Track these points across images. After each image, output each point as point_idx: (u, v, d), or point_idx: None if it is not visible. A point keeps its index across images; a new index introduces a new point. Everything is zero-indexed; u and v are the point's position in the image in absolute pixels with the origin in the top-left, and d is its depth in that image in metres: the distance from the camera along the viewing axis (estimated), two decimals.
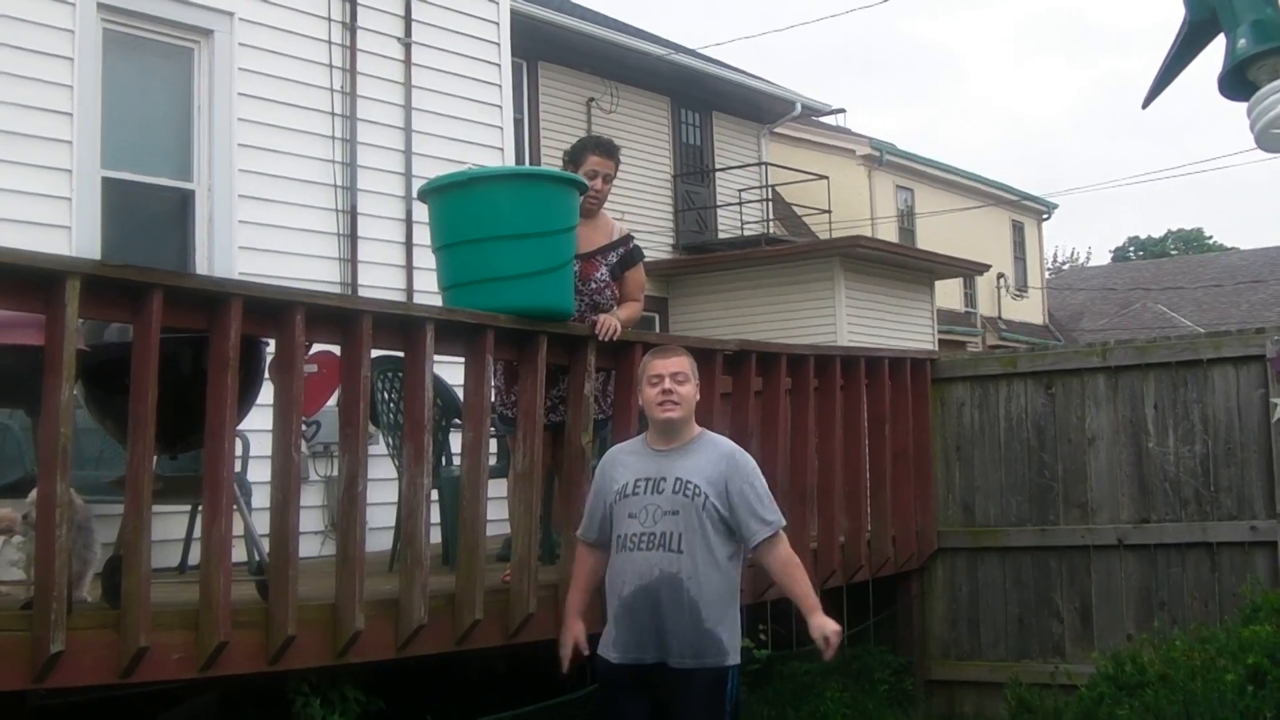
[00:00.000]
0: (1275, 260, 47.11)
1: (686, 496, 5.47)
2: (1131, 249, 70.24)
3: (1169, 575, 9.28)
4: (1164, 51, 4.64)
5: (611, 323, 6.69)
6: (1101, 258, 68.32)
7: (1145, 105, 4.73)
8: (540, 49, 20.04)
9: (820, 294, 20.92)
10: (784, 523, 5.68)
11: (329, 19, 10.40)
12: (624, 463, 5.70)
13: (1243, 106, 4.23)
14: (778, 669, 9.07)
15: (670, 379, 5.57)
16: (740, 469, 5.58)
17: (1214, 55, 4.43)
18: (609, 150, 7.19)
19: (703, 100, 24.21)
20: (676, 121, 23.73)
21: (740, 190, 25.05)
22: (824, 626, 5.52)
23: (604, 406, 6.99)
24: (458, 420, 7.00)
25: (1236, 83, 4.22)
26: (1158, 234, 71.64)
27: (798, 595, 5.61)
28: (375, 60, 10.68)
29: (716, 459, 5.57)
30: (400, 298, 10.19)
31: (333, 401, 7.29)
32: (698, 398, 5.73)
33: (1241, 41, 4.13)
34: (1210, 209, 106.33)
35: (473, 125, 11.32)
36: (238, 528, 5.32)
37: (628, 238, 7.28)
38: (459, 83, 11.29)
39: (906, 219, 32.22)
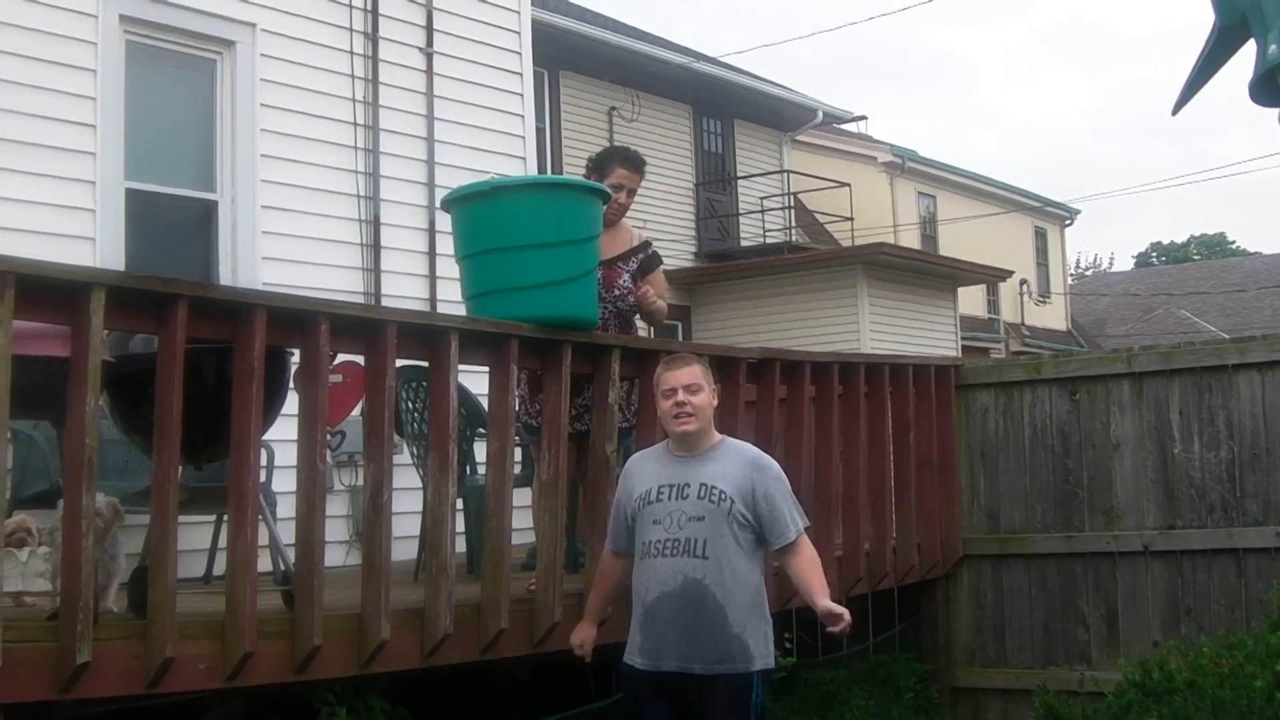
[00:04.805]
0: None
1: (712, 502, 5.45)
2: (1154, 254, 70.06)
3: (1195, 582, 9.23)
4: (1185, 57, 4.63)
5: (654, 297, 6.80)
6: (1124, 263, 68.21)
7: (1175, 111, 4.71)
8: (562, 58, 20.07)
9: (843, 301, 20.91)
10: (808, 524, 5.67)
11: (351, 29, 10.41)
12: (646, 469, 5.69)
13: (1273, 112, 4.21)
14: (802, 677, 9.04)
15: (683, 391, 5.55)
16: (765, 473, 5.56)
17: (1242, 60, 4.41)
18: (636, 164, 7.18)
19: (724, 108, 24.22)
20: (698, 130, 23.74)
21: (762, 198, 25.04)
22: (832, 607, 5.38)
23: (628, 415, 6.97)
24: (482, 429, 7.00)
25: (1267, 89, 4.20)
26: (1180, 239, 71.54)
27: (811, 585, 5.50)
28: (397, 70, 10.70)
29: (742, 465, 5.55)
30: (424, 307, 10.19)
31: (357, 411, 7.32)
32: (715, 403, 5.71)
33: (1273, 47, 4.10)
34: (1233, 214, 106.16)
35: (495, 134, 11.32)
36: (263, 538, 5.32)
37: (646, 243, 7.28)
38: (481, 92, 11.30)
39: (929, 226, 32.17)
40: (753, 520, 5.46)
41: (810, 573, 5.52)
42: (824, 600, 5.42)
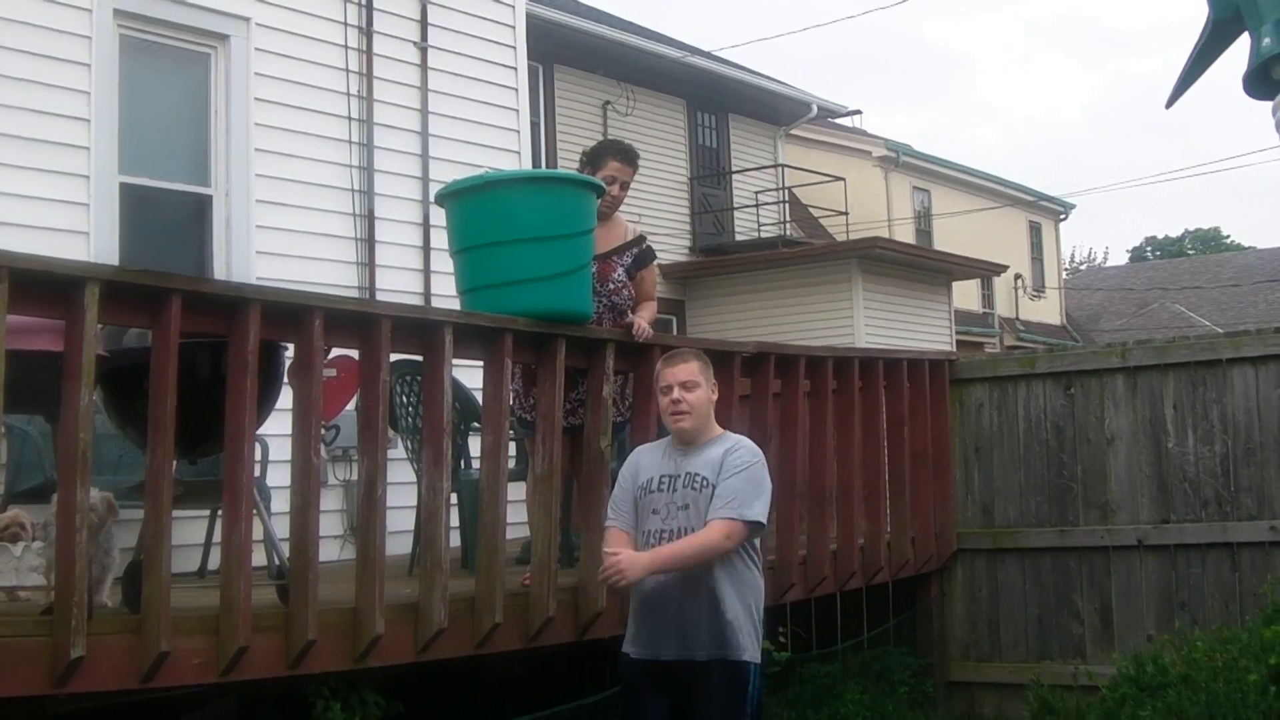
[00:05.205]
0: None
1: (695, 489, 5.47)
2: (1149, 249, 70.03)
3: (1189, 576, 9.25)
4: (1180, 51, 4.62)
5: (646, 326, 6.73)
6: (1119, 258, 68.20)
7: (1169, 105, 4.70)
8: (556, 52, 20.05)
9: (838, 296, 20.89)
10: (734, 517, 5.38)
11: (345, 23, 10.40)
12: (649, 459, 5.71)
13: (1266, 106, 4.20)
14: (798, 671, 9.06)
15: (679, 388, 5.56)
16: (733, 455, 5.52)
17: (1235, 54, 4.41)
18: (629, 157, 7.17)
19: (719, 102, 24.20)
20: (693, 124, 23.72)
21: (757, 192, 25.03)
22: (630, 556, 5.30)
23: (622, 409, 6.97)
24: (476, 424, 7.00)
25: (1261, 81, 4.19)
26: (1175, 233, 71.48)
27: (674, 546, 5.39)
28: (391, 64, 10.68)
29: (725, 451, 5.55)
30: (418, 301, 10.18)
31: (352, 405, 7.30)
32: (714, 397, 5.70)
33: (1266, 40, 4.09)
34: (1227, 208, 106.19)
35: (489, 129, 11.31)
36: (257, 532, 5.32)
37: (641, 238, 7.28)
38: (475, 86, 11.29)
39: (923, 220, 32.18)
40: None
41: (689, 541, 5.38)
42: (648, 556, 5.34)
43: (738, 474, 5.47)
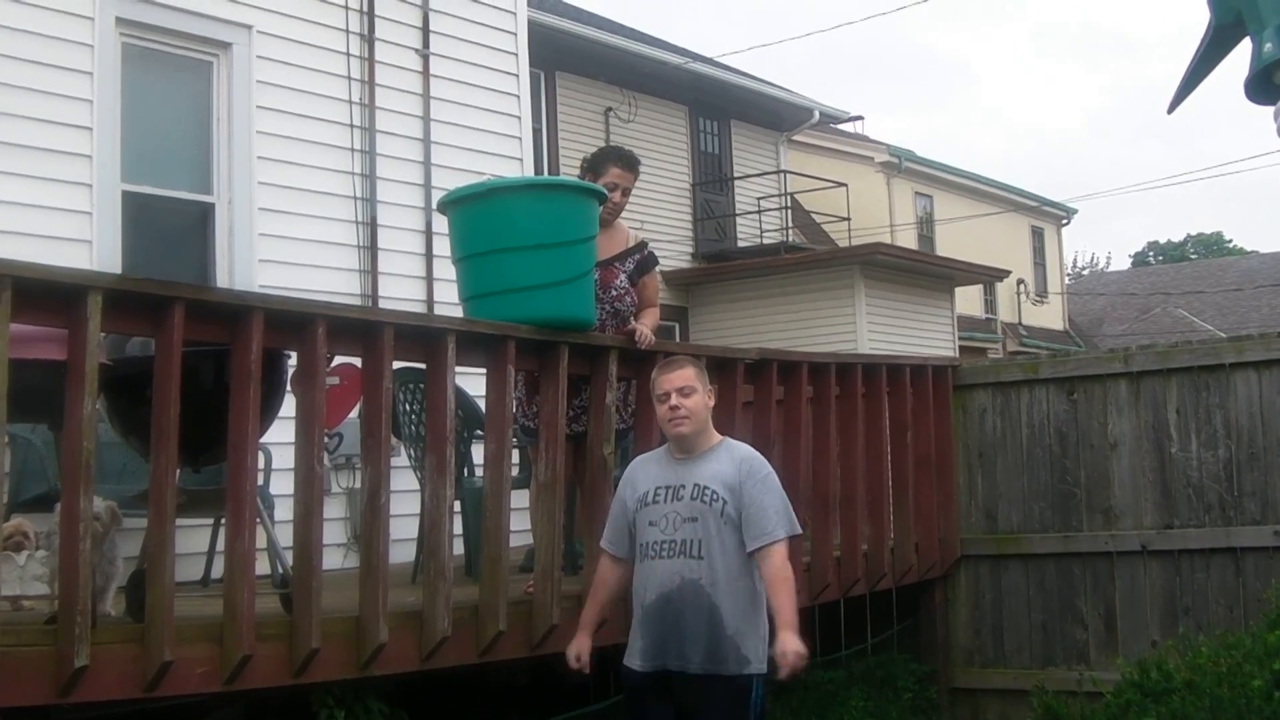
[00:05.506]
0: None
1: (704, 502, 5.46)
2: (1151, 254, 69.96)
3: (1193, 581, 9.23)
4: (1182, 56, 4.61)
5: (649, 333, 6.73)
6: (1121, 263, 68.02)
7: (1171, 110, 4.69)
8: (558, 59, 20.05)
9: (840, 302, 20.89)
10: (787, 535, 5.50)
11: (347, 31, 10.41)
12: (646, 472, 5.70)
13: (1267, 110, 4.20)
14: (801, 678, 9.01)
15: (676, 394, 5.56)
16: (754, 474, 5.54)
17: (1237, 59, 4.41)
18: (630, 163, 7.16)
19: (721, 109, 24.20)
20: (695, 130, 23.71)
21: (759, 198, 25.00)
22: (786, 643, 5.27)
23: (625, 416, 6.96)
24: (479, 431, 6.99)
25: (1262, 86, 4.18)
26: (1177, 238, 71.42)
27: (776, 607, 5.39)
28: (393, 72, 10.69)
29: (734, 465, 5.55)
30: (421, 309, 10.18)
31: (355, 414, 7.31)
32: (712, 403, 5.71)
33: (1268, 45, 4.08)
34: (1230, 213, 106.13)
35: (491, 136, 11.32)
36: (261, 541, 5.31)
37: (643, 244, 7.27)
38: (477, 93, 11.30)
39: (926, 226, 32.14)
40: (739, 519, 5.46)
41: (778, 591, 5.39)
42: (786, 632, 5.29)
43: (768, 491, 5.52)
